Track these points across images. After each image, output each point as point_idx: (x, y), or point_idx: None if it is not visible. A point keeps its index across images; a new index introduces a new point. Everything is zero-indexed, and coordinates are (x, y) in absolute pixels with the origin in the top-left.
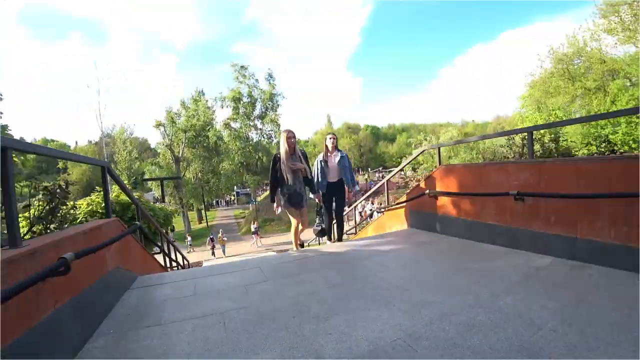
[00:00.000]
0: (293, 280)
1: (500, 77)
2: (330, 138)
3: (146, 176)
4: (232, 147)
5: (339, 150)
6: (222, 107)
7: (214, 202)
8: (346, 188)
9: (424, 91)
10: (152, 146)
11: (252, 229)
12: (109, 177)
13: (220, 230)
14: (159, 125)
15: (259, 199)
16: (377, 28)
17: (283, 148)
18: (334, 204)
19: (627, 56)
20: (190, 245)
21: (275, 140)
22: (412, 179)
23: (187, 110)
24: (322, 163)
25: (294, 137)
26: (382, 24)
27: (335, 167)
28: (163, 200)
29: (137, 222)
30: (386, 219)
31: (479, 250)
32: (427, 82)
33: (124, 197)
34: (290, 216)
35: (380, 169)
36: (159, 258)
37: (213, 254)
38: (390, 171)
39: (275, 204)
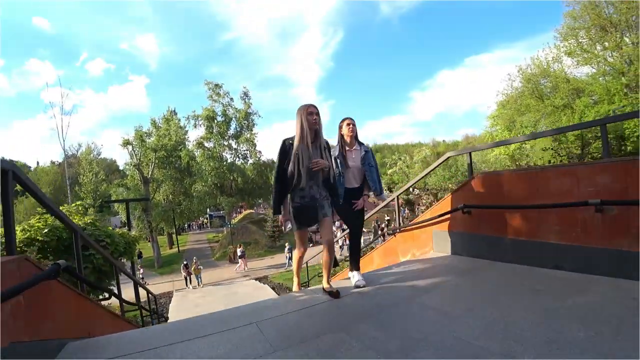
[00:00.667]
0: (315, 348)
1: (467, 100)
2: (347, 124)
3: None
4: (205, 168)
5: (359, 143)
6: (195, 126)
7: (186, 225)
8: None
9: (395, 113)
10: (121, 167)
11: (239, 253)
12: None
13: (195, 257)
14: (126, 144)
15: (233, 221)
16: (347, 53)
17: (301, 130)
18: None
19: (589, 76)
20: (142, 278)
21: (250, 161)
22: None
23: (158, 129)
24: (338, 161)
25: (318, 114)
26: (351, 50)
27: (358, 167)
28: (128, 224)
29: (58, 262)
30: (398, 243)
31: (547, 279)
32: (397, 105)
33: (75, 221)
34: (296, 239)
35: None
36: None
37: (187, 283)
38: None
39: (282, 217)
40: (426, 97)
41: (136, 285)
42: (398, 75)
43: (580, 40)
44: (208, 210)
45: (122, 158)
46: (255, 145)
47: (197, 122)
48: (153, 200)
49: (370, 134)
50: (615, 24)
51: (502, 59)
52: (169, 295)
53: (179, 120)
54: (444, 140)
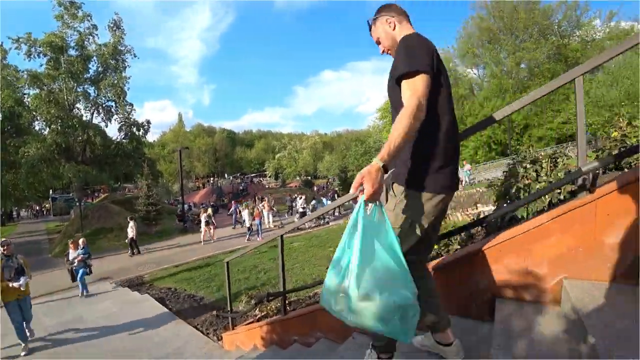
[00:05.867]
0: None
1: (346, 100)
2: None
3: None
4: (43, 116)
5: None
6: (30, 57)
7: (15, 214)
8: None
9: (277, 105)
10: None
11: (204, 220)
12: None
13: (18, 256)
14: None
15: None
16: (236, 38)
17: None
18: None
19: (482, 77)
20: None
21: (116, 118)
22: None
23: None
24: None
25: None
26: (241, 36)
27: None
28: None
29: None
30: None
31: None
32: (279, 97)
33: None
34: None
35: (239, 175)
36: None
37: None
38: (255, 176)
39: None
40: (308, 93)
41: None
42: (284, 69)
43: (474, 47)
44: (51, 192)
45: None
46: (124, 93)
47: (34, 51)
48: None
49: (251, 124)
50: (512, 30)
51: (378, 68)
52: None
53: (5, 51)
54: (326, 133)
